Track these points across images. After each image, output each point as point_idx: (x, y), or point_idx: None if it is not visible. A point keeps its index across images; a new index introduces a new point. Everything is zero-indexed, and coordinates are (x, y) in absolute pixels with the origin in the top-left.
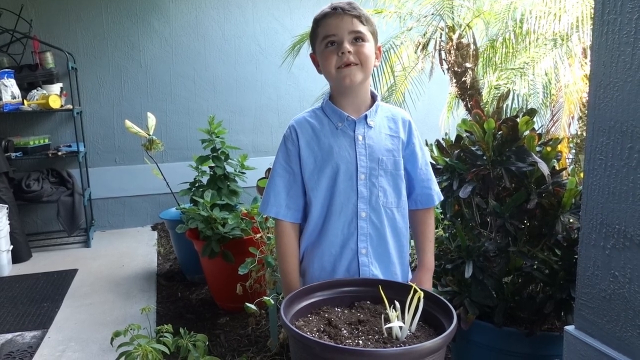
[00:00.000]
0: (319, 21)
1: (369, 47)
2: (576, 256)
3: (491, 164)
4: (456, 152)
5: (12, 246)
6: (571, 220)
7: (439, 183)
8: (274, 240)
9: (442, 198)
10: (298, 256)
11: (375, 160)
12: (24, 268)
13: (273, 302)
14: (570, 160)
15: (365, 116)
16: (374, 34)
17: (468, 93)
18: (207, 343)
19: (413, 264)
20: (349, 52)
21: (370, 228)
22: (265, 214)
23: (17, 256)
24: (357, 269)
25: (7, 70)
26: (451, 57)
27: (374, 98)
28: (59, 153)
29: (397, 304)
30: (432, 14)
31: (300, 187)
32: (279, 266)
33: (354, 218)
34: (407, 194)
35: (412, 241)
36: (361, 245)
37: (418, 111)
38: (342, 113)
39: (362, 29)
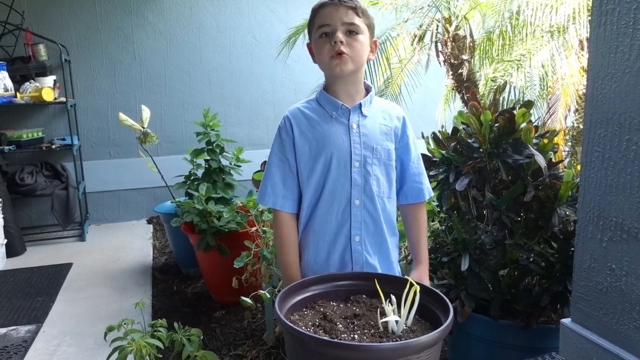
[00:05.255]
0: (316, 11)
1: (362, 40)
2: (573, 249)
3: (488, 157)
4: (453, 144)
5: (6, 240)
6: (568, 213)
7: (435, 175)
8: (273, 232)
9: (432, 194)
10: (297, 247)
11: (369, 148)
12: (19, 262)
13: (269, 296)
14: (566, 153)
15: (360, 105)
16: (370, 27)
17: (464, 85)
18: (202, 337)
19: (409, 257)
20: (341, 42)
21: (365, 216)
22: (263, 204)
23: (12, 250)
24: (350, 257)
25: None
26: (447, 49)
27: (367, 90)
28: (53, 146)
29: (393, 298)
30: (429, 6)
31: (296, 177)
32: (278, 258)
33: (347, 206)
34: (398, 188)
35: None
36: (354, 232)
37: (414, 103)
38: (336, 102)
39: (357, 21)
